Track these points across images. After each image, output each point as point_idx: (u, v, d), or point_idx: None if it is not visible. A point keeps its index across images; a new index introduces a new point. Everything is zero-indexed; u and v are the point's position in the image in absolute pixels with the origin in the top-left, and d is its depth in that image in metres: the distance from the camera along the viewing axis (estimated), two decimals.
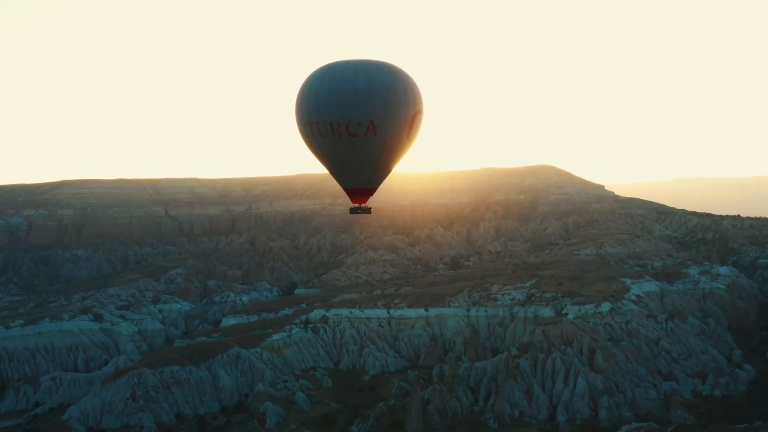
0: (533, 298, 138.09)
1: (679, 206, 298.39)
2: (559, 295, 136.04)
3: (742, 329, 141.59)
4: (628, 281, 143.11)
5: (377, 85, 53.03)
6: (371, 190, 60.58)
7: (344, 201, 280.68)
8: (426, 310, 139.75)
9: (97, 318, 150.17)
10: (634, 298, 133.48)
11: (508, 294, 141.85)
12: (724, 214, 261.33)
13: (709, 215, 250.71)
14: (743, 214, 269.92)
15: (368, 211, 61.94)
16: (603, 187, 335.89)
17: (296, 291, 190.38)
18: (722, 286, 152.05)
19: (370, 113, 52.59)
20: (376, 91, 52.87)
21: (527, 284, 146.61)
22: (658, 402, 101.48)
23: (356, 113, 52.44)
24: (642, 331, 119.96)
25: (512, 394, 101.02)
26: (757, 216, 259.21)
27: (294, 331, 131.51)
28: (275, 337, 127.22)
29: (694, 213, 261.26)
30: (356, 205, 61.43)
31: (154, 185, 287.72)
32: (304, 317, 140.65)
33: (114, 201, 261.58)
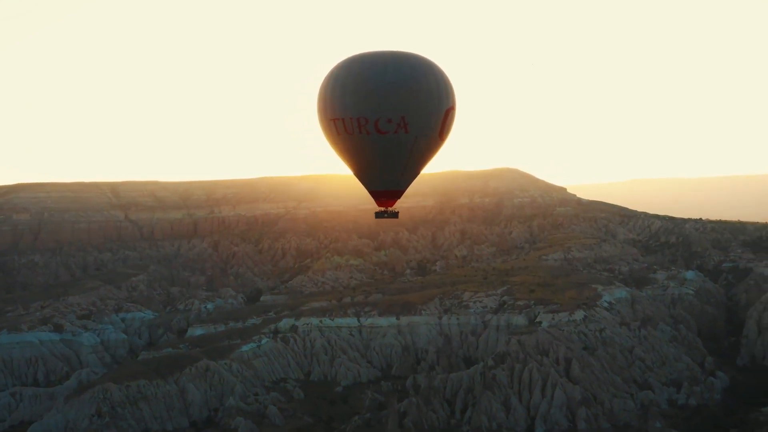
0: (505, 306, 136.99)
1: (633, 207, 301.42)
2: (532, 302, 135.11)
3: (712, 335, 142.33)
4: (599, 288, 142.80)
5: (408, 78, 48.99)
6: (399, 193, 56.82)
7: (308, 204, 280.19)
8: (397, 319, 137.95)
9: (58, 328, 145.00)
10: (606, 305, 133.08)
11: (480, 301, 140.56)
12: (677, 215, 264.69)
13: (671, 219, 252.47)
14: (695, 215, 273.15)
15: (395, 215, 58.15)
16: (565, 189, 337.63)
17: (262, 298, 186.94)
18: (691, 292, 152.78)
19: (401, 109, 48.62)
20: (408, 84, 48.83)
21: (498, 291, 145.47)
22: (636, 413, 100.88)
23: (386, 109, 48.47)
24: (616, 339, 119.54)
25: (489, 406, 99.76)
26: (717, 218, 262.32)
27: (263, 341, 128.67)
28: (244, 348, 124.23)
29: (657, 216, 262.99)
30: (382, 209, 57.71)
31: (114, 188, 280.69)
32: (273, 326, 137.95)
33: (72, 205, 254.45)
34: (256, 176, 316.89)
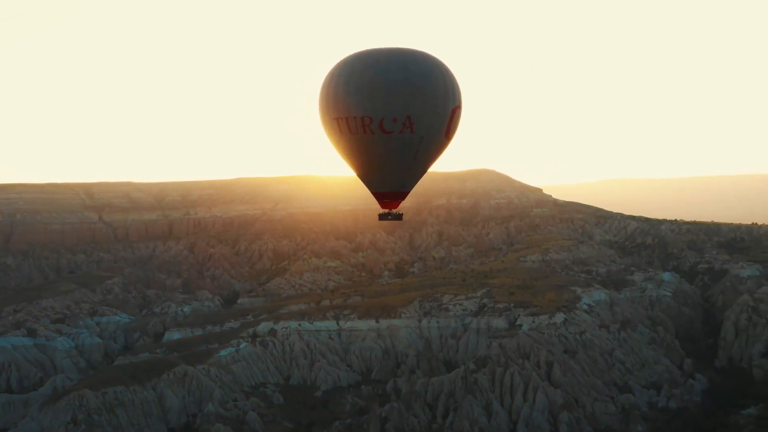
0: (485, 309, 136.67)
1: (606, 208, 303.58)
2: (512, 305, 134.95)
3: (689, 337, 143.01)
4: (578, 290, 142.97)
5: (415, 77, 47.31)
6: (403, 194, 55.58)
7: (284, 206, 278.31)
8: (377, 322, 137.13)
9: (31, 333, 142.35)
10: (585, 307, 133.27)
11: (460, 304, 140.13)
12: (649, 215, 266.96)
13: (647, 220, 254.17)
14: (666, 215, 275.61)
15: (399, 217, 56.93)
16: (541, 190, 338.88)
17: (239, 300, 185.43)
18: (669, 293, 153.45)
19: (407, 108, 47.03)
20: (414, 82, 47.17)
21: (478, 294, 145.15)
22: (617, 416, 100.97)
23: (391, 108, 46.85)
24: (596, 342, 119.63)
25: (471, 411, 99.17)
26: (685, 218, 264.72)
27: (242, 345, 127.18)
28: (223, 352, 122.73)
29: (632, 217, 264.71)
30: (386, 210, 56.42)
31: (87, 190, 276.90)
32: (251, 330, 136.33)
33: (45, 206, 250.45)
34: (233, 177, 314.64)
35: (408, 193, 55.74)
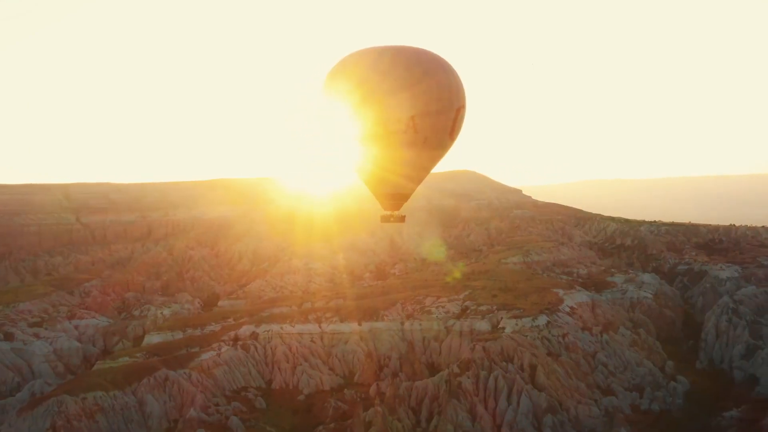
0: (468, 311, 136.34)
1: (585, 209, 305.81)
2: (494, 307, 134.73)
3: (670, 339, 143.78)
4: (561, 292, 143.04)
5: (418, 76, 45.95)
6: (406, 196, 54.24)
7: (265, 207, 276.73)
8: (359, 325, 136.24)
9: (8, 337, 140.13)
10: (567, 309, 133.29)
11: (443, 307, 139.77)
12: (626, 216, 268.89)
13: (626, 221, 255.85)
14: (643, 216, 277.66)
15: (402, 219, 55.65)
16: (521, 191, 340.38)
17: (219, 303, 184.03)
18: (649, 295, 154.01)
19: (411, 107, 45.73)
20: (418, 81, 45.85)
21: (461, 296, 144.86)
22: (601, 419, 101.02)
23: (394, 107, 45.51)
24: (579, 345, 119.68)
25: (455, 414, 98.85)
26: (659, 218, 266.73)
27: (223, 349, 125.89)
28: (204, 356, 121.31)
29: (612, 218, 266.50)
30: (388, 213, 55.06)
31: (65, 190, 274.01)
32: (232, 333, 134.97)
33: (22, 207, 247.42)
34: (212, 178, 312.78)
35: (410, 195, 54.56)
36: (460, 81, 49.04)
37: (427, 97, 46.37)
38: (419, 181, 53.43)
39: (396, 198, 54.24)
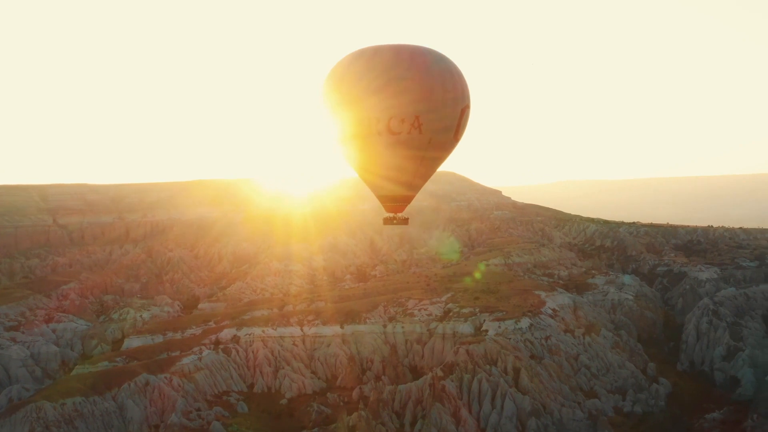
0: (451, 314, 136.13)
1: (563, 209, 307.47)
2: (477, 310, 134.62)
3: (651, 340, 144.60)
4: (543, 294, 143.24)
5: (422, 74, 44.84)
6: (409, 198, 53.35)
7: (245, 208, 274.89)
8: (341, 328, 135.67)
9: None
10: (550, 312, 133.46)
11: (425, 309, 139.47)
12: (602, 216, 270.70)
13: (606, 222, 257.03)
14: (620, 217, 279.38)
15: (405, 221, 54.75)
16: (500, 192, 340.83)
17: (199, 305, 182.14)
18: (630, 297, 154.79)
19: (416, 108, 44.57)
20: (423, 81, 44.71)
21: (443, 298, 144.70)
22: (585, 422, 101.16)
23: (399, 107, 44.41)
24: (562, 347, 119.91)
25: (440, 418, 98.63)
26: (647, 221, 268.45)
27: (204, 353, 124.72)
28: (185, 360, 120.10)
29: (591, 219, 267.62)
30: (391, 214, 54.36)
31: (41, 192, 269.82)
32: (213, 337, 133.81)
33: None
34: (191, 179, 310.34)
35: (414, 196, 53.71)
36: (464, 80, 48.05)
37: (432, 97, 45.31)
38: (423, 182, 52.52)
39: (399, 200, 53.45)
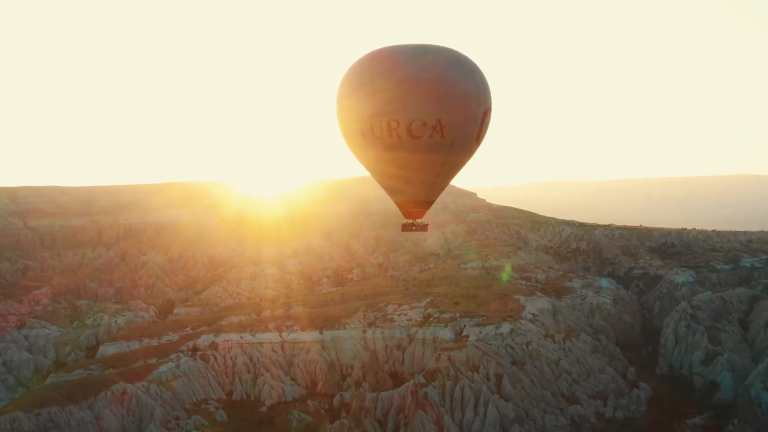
0: (431, 319, 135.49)
1: (536, 211, 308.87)
2: (457, 315, 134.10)
3: (629, 344, 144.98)
4: (522, 299, 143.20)
5: (446, 75, 42.91)
6: (428, 203, 50.99)
7: (220, 211, 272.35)
8: (321, 333, 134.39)
9: None
10: (530, 316, 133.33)
11: (405, 314, 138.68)
12: (574, 218, 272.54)
13: (581, 225, 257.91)
14: (590, 219, 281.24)
15: (425, 228, 52.34)
16: (475, 194, 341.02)
17: (175, 310, 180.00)
18: (608, 301, 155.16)
19: (439, 111, 42.40)
20: (446, 82, 42.66)
21: (423, 303, 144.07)
22: (567, 428, 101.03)
23: (421, 110, 42.22)
24: (542, 352, 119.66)
25: (422, 426, 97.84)
26: (621, 223, 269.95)
27: (182, 360, 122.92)
28: (162, 368, 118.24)
29: (566, 222, 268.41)
30: (410, 221, 51.79)
31: (11, 194, 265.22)
32: (191, 343, 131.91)
33: None
34: (165, 181, 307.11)
35: (433, 202, 51.60)
36: (486, 82, 46.26)
37: (456, 99, 43.48)
38: (442, 188, 50.49)
39: (419, 206, 51.44)
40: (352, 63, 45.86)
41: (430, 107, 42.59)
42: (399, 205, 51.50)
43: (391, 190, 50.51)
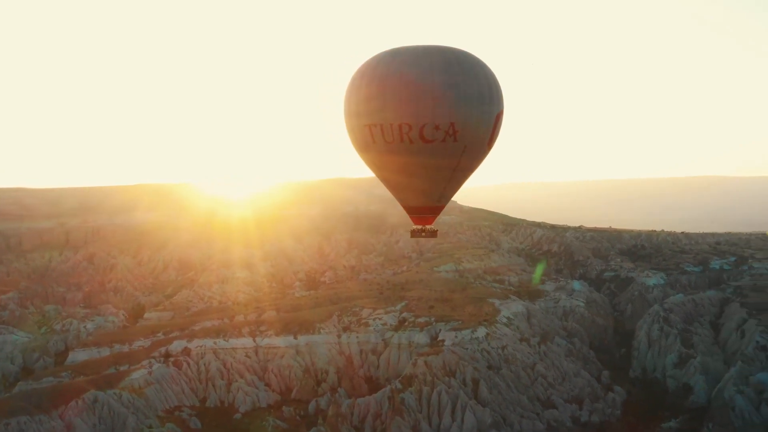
0: (406, 323, 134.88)
1: (506, 213, 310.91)
2: (432, 319, 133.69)
3: (603, 347, 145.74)
4: (497, 302, 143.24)
5: (459, 78, 41.80)
6: (439, 209, 50.70)
7: (190, 213, 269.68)
8: (295, 338, 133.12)
9: None
10: (505, 320, 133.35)
11: (380, 318, 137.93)
12: (543, 220, 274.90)
13: (552, 227, 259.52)
14: (558, 221, 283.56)
15: (434, 234, 51.93)
16: None
17: (146, 315, 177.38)
18: (582, 304, 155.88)
19: (451, 114, 41.57)
20: (459, 85, 41.70)
21: (397, 307, 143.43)
22: None
23: (433, 113, 41.29)
24: (518, 356, 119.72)
25: None
26: (590, 224, 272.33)
27: (154, 366, 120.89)
28: (134, 375, 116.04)
29: (537, 224, 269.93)
30: (420, 227, 51.37)
31: None
32: (163, 349, 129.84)
33: None
34: (134, 183, 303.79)
35: (443, 208, 51.17)
36: (498, 84, 45.63)
37: (469, 102, 42.71)
38: (453, 193, 50.07)
39: (429, 211, 50.92)
40: (361, 64, 44.82)
41: (444, 110, 41.69)
42: (408, 210, 50.73)
43: (400, 195, 49.60)
